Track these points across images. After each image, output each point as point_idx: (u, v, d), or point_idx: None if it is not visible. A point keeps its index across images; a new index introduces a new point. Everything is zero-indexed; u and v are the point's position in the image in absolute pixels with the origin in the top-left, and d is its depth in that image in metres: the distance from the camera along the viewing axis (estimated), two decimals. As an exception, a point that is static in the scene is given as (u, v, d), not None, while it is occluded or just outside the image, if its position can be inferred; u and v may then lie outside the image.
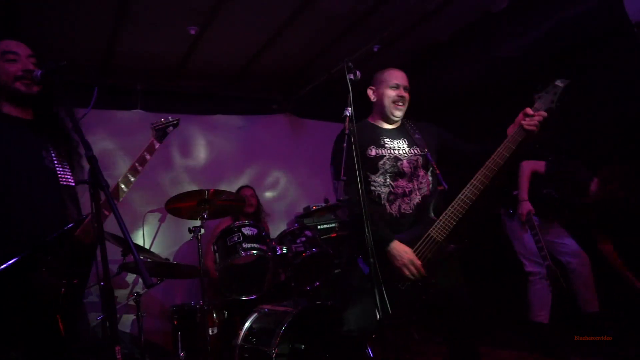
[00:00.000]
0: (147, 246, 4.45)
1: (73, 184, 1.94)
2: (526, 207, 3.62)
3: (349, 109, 2.26)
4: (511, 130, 2.31)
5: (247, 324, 3.18)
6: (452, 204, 2.27)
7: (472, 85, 4.61)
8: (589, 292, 3.61)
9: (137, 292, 3.42)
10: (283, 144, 5.62)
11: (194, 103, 5.13)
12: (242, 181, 4.97)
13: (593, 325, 3.54)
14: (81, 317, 1.87)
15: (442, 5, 3.95)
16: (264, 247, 3.29)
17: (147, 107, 4.80)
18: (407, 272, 2.23)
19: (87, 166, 1.95)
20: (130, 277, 4.30)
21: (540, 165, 3.71)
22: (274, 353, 2.78)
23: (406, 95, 2.58)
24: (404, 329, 4.18)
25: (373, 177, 2.45)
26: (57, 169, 1.89)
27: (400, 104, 2.56)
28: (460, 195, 2.26)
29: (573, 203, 3.62)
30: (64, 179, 1.90)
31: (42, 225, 1.76)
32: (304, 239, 3.42)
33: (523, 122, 2.25)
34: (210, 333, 3.31)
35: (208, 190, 3.37)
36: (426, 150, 2.50)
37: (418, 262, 2.23)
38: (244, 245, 3.22)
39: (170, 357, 3.48)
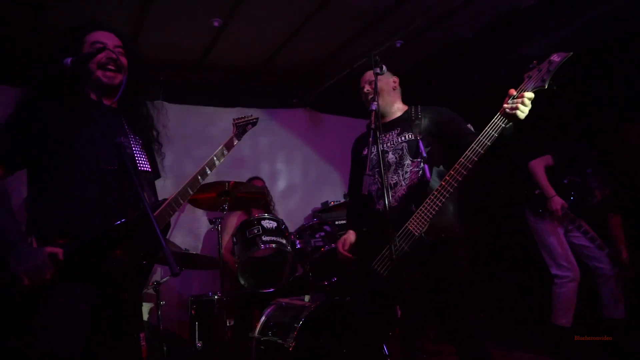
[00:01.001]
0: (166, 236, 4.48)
1: (149, 170, 2.01)
2: (558, 202, 3.54)
3: (375, 103, 2.25)
4: None
5: (264, 317, 3.18)
6: (430, 195, 2.19)
7: (495, 83, 4.53)
8: (616, 298, 3.55)
9: (156, 281, 3.46)
10: (302, 138, 5.61)
11: (215, 95, 5.15)
12: (261, 174, 4.97)
13: (617, 332, 3.48)
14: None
15: (467, 1, 3.90)
16: (283, 241, 3.30)
17: (169, 98, 4.82)
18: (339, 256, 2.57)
19: (164, 155, 2.13)
20: (149, 266, 4.34)
21: (547, 159, 3.66)
22: (291, 347, 2.78)
23: (370, 87, 2.57)
24: (419, 327, 4.16)
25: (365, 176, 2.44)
26: (136, 154, 1.95)
27: (369, 98, 2.54)
28: (437, 187, 2.18)
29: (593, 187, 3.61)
30: (141, 165, 1.95)
31: (120, 207, 1.79)
32: (323, 233, 3.42)
33: (505, 105, 2.05)
34: (228, 324, 3.31)
35: (229, 182, 3.38)
36: (419, 136, 2.41)
37: (342, 250, 2.56)
38: (264, 238, 3.23)
39: (187, 346, 3.50)
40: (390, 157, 2.45)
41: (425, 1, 3.86)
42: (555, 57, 2.00)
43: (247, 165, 5.20)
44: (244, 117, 2.46)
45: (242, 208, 4.16)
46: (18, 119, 1.78)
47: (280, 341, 2.87)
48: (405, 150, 2.43)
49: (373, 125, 2.16)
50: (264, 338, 3.06)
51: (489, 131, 2.09)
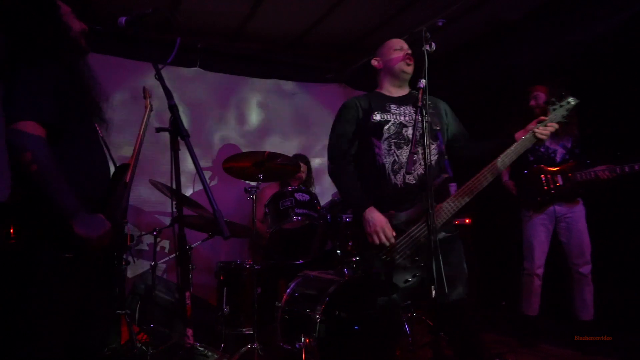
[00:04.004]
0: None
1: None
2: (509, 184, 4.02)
3: (423, 80, 2.21)
4: (521, 135, 2.33)
5: (290, 288, 3.22)
6: (457, 192, 2.31)
7: (539, 70, 4.39)
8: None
9: (188, 246, 3.52)
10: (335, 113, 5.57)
11: (251, 65, 5.14)
12: (292, 146, 4.99)
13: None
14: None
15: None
16: (315, 214, 3.31)
17: (205, 65, 4.84)
18: (375, 239, 2.24)
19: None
20: (180, 231, 4.42)
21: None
22: (318, 318, 2.81)
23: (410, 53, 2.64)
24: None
25: (377, 144, 2.43)
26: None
27: (409, 60, 2.61)
28: (465, 186, 2.31)
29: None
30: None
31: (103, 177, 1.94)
32: (354, 210, 3.41)
33: (536, 129, 2.29)
34: (256, 292, 3.36)
35: (264, 152, 3.40)
36: (437, 127, 2.49)
37: (390, 231, 2.24)
38: (296, 210, 3.24)
39: (215, 310, 3.58)
40: (410, 132, 2.42)
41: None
42: (572, 100, 2.35)
43: (278, 136, 5.23)
44: None
45: (277, 179, 4.18)
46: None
47: (307, 312, 2.91)
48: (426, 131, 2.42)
49: (420, 103, 2.14)
50: (289, 308, 3.11)
51: (518, 147, 2.31)
